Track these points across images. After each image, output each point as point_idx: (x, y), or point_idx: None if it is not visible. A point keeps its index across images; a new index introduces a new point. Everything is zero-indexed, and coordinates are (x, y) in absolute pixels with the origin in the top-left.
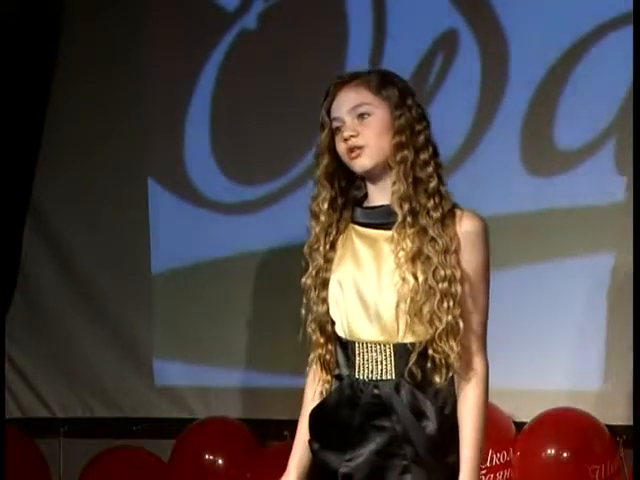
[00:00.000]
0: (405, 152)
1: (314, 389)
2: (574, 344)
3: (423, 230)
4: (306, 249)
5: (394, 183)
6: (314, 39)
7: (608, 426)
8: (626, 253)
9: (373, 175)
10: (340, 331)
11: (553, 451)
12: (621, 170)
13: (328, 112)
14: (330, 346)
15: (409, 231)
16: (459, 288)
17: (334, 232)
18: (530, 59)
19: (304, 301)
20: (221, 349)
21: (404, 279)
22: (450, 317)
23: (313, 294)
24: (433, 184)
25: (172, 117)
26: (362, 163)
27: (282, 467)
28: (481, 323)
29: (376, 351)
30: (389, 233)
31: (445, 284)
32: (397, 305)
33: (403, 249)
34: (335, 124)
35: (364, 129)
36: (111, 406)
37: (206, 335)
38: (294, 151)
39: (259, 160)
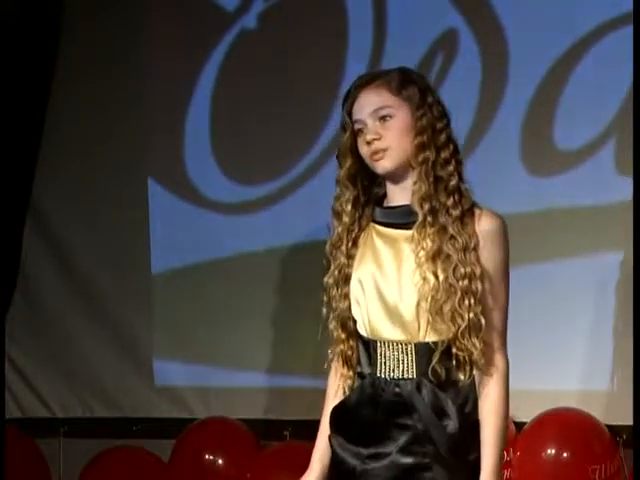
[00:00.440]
0: (427, 152)
1: (336, 385)
2: (574, 344)
3: (443, 228)
4: (328, 248)
5: (415, 183)
6: (314, 39)
7: (608, 426)
8: (626, 253)
9: (395, 175)
10: (362, 330)
11: (553, 451)
12: (621, 170)
13: (349, 114)
14: (352, 342)
15: (429, 230)
16: (479, 285)
17: (356, 230)
18: (530, 59)
19: (325, 299)
20: (221, 349)
21: (425, 278)
22: (472, 314)
23: (335, 292)
24: (453, 182)
25: (172, 117)
26: (384, 165)
27: (282, 467)
28: (501, 320)
29: (397, 350)
30: (409, 233)
31: (465, 282)
32: (418, 304)
33: (423, 248)
34: (357, 126)
35: (386, 132)
36: (111, 406)
37: (206, 335)
38: (294, 151)
39: (259, 160)
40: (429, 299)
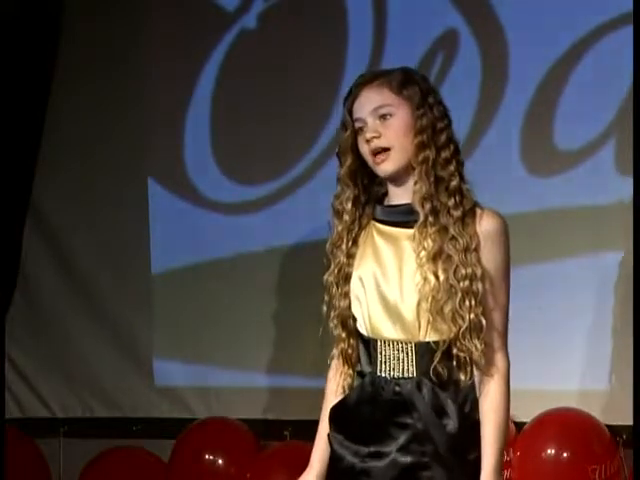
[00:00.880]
0: (427, 152)
1: (336, 382)
2: (574, 344)
3: (444, 229)
4: (328, 247)
5: (416, 183)
6: (314, 39)
7: (608, 426)
8: (626, 253)
9: (396, 177)
10: (362, 328)
11: (553, 451)
12: (621, 170)
13: (350, 112)
14: (352, 340)
15: (430, 230)
16: (480, 286)
17: (356, 228)
18: (530, 59)
19: (325, 298)
20: (221, 349)
21: (425, 279)
22: (473, 315)
23: (335, 290)
24: (454, 182)
25: (172, 117)
26: (385, 168)
27: (282, 467)
28: (502, 321)
29: (398, 349)
30: (410, 231)
31: (466, 282)
32: (418, 304)
33: (424, 248)
34: (357, 124)
35: (386, 130)
36: (111, 406)
37: (206, 335)
38: (294, 151)
39: (259, 160)
40: (430, 299)
